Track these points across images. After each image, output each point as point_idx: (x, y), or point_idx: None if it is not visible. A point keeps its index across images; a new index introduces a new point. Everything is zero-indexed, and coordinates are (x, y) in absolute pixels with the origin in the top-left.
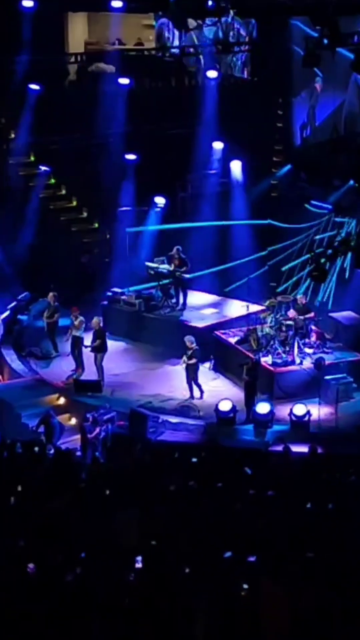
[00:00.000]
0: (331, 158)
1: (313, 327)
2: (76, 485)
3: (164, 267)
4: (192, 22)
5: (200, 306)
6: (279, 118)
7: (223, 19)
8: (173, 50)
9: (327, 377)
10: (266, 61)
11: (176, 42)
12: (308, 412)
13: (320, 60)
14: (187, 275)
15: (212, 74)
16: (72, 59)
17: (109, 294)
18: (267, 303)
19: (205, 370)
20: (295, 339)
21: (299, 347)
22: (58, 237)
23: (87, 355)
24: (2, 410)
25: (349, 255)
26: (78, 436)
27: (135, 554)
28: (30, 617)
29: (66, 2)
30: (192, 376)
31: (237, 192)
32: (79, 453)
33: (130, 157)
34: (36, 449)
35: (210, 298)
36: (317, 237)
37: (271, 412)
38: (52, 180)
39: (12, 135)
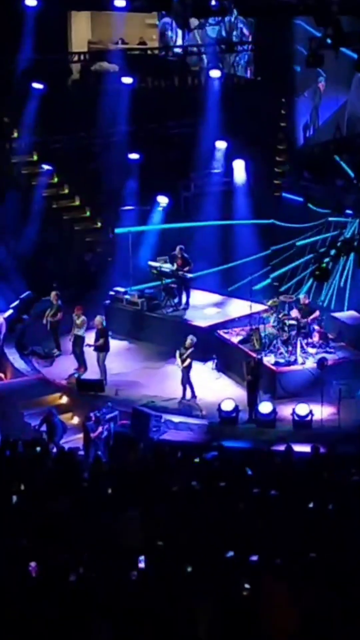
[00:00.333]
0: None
1: (316, 327)
2: (78, 485)
3: (167, 266)
4: (195, 22)
5: (203, 305)
6: (282, 118)
7: (226, 19)
8: (176, 49)
9: (330, 377)
10: (269, 61)
11: (179, 42)
12: (310, 412)
13: (324, 60)
14: (190, 275)
15: (215, 73)
16: (75, 58)
17: (112, 293)
18: (269, 303)
19: (208, 370)
20: (298, 338)
21: (301, 346)
22: (61, 236)
23: (90, 354)
24: (4, 409)
25: (352, 255)
26: (81, 435)
27: (138, 554)
28: (33, 617)
29: (69, 1)
30: (186, 376)
31: (240, 191)
32: (81, 452)
33: (133, 156)
34: (38, 448)
35: (213, 297)
36: (320, 237)
37: (274, 412)
38: (55, 179)
39: (15, 134)
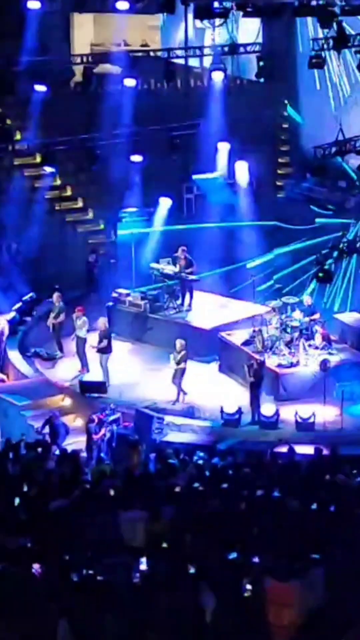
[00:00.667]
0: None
1: (318, 329)
2: (81, 486)
3: (170, 268)
4: (198, 23)
5: (205, 307)
6: (284, 119)
7: (229, 20)
8: (179, 51)
9: (332, 379)
10: (272, 62)
11: (182, 43)
12: (313, 414)
13: (326, 61)
14: (193, 277)
15: (218, 75)
16: (78, 60)
17: (115, 294)
18: (272, 304)
19: (210, 371)
20: (301, 340)
21: (304, 348)
22: (63, 238)
23: (93, 356)
24: (7, 411)
25: (355, 257)
26: (83, 437)
27: (140, 554)
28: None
29: (72, 3)
30: (178, 379)
31: (243, 193)
32: (84, 454)
33: (136, 158)
34: (40, 449)
35: (216, 299)
36: (323, 238)
37: (276, 414)
38: (58, 181)
39: (18, 136)
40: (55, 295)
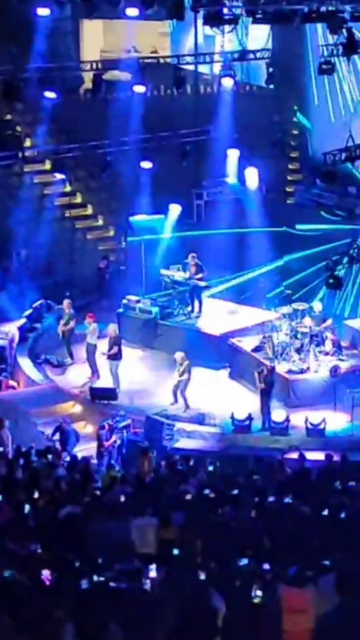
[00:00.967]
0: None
1: (329, 335)
2: (92, 493)
3: (180, 274)
4: (207, 30)
5: (215, 313)
6: (294, 125)
7: (239, 27)
8: (189, 57)
9: (343, 385)
10: (282, 69)
11: (192, 50)
12: (324, 420)
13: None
14: (203, 283)
15: (227, 81)
16: (88, 67)
17: (125, 301)
18: (282, 310)
19: (220, 378)
20: (311, 346)
21: (314, 354)
22: (73, 244)
23: (103, 362)
24: (17, 418)
25: None
26: (94, 444)
27: (151, 561)
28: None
29: (81, 10)
30: (181, 388)
31: (253, 199)
32: (94, 461)
33: (146, 164)
34: (50, 456)
35: (226, 305)
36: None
37: (287, 420)
38: (68, 188)
39: (28, 143)
40: (66, 302)
